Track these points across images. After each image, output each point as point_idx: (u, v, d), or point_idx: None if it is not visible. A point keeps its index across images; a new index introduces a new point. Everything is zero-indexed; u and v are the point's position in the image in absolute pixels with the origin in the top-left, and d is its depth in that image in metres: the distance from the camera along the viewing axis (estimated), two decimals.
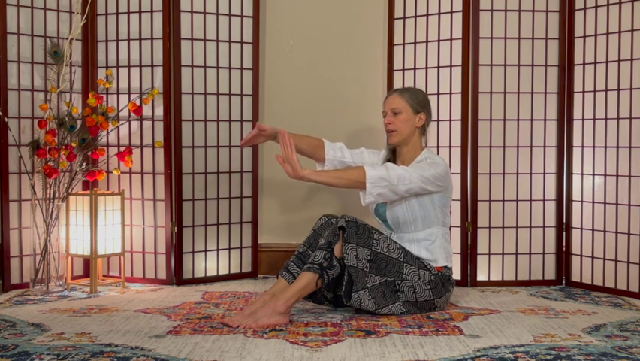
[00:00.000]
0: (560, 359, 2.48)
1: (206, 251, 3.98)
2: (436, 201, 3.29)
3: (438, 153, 3.80)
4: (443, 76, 3.90)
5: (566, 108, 3.87)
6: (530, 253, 3.88)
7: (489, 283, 3.86)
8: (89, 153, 3.82)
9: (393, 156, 3.44)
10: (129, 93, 3.92)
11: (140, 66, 3.91)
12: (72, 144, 3.76)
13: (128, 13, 3.92)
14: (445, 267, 3.29)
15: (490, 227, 3.86)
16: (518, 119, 3.86)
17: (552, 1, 3.86)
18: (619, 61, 3.64)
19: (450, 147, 3.87)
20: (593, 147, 3.77)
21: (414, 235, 3.29)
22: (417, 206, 3.27)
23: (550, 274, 3.89)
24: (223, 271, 4.04)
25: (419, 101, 3.36)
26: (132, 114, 3.86)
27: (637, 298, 3.54)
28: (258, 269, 4.16)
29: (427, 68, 3.94)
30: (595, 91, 3.76)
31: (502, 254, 3.87)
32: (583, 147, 3.82)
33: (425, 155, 3.33)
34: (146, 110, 3.90)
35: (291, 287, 3.06)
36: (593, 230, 3.77)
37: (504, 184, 3.86)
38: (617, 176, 3.65)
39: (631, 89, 3.60)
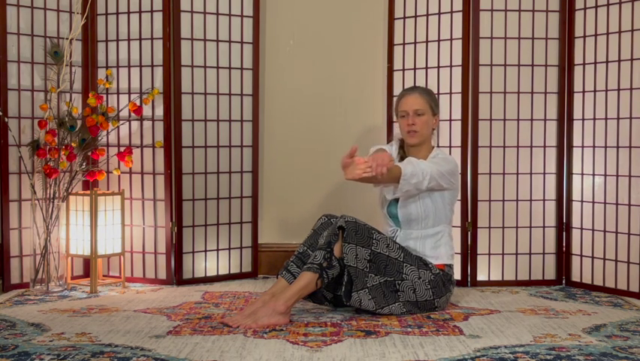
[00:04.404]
0: (560, 359, 2.48)
1: (206, 251, 3.98)
2: (446, 199, 3.33)
3: None
4: (443, 76, 3.90)
5: (566, 108, 3.87)
6: (530, 253, 3.88)
7: (489, 283, 3.86)
8: (89, 153, 3.82)
9: (403, 155, 3.45)
10: (129, 93, 3.92)
11: (140, 66, 3.91)
12: (72, 144, 3.76)
13: (128, 13, 3.92)
14: (447, 265, 3.31)
15: (490, 227, 3.86)
16: (518, 119, 3.86)
17: (552, 1, 3.86)
18: (619, 61, 3.64)
19: (450, 147, 3.87)
20: (593, 147, 3.77)
21: (423, 231, 3.31)
22: (430, 203, 3.29)
23: (550, 274, 3.89)
24: (223, 271, 4.04)
25: (436, 103, 3.44)
26: (132, 114, 3.86)
27: (637, 298, 3.53)
28: (258, 269, 4.16)
29: (427, 68, 3.94)
30: (595, 91, 3.76)
31: (502, 254, 3.87)
32: (583, 147, 3.82)
33: (437, 152, 3.38)
34: (146, 110, 3.90)
35: (291, 287, 3.06)
36: (593, 230, 3.77)
37: (504, 184, 3.86)
38: (617, 176, 3.65)
39: (631, 89, 3.60)
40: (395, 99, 3.52)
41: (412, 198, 3.30)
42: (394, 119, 3.96)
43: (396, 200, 3.35)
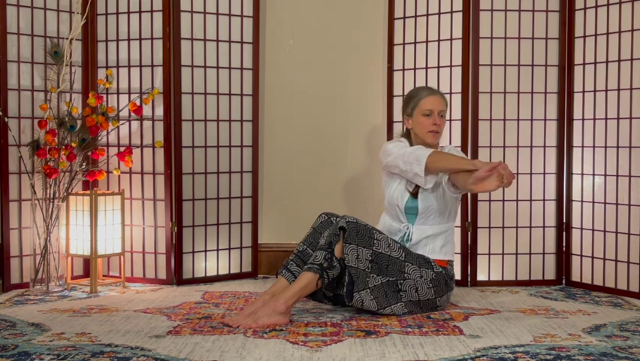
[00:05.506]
0: (560, 359, 2.48)
1: (206, 251, 3.98)
2: (459, 195, 3.37)
3: None
4: (443, 76, 3.90)
5: (566, 108, 3.87)
6: (530, 253, 3.88)
7: (489, 283, 3.86)
8: (89, 153, 3.82)
9: None
10: (129, 93, 3.92)
11: (140, 66, 3.91)
12: (72, 144, 3.76)
13: (128, 13, 3.92)
14: (449, 261, 3.33)
15: (490, 227, 3.86)
16: (518, 119, 3.86)
17: (552, 1, 3.85)
18: (619, 61, 3.64)
19: None
20: (593, 147, 3.77)
21: (437, 227, 3.33)
22: (448, 197, 3.32)
23: (551, 274, 3.89)
24: (223, 271, 4.04)
25: None
26: (132, 114, 3.86)
27: (637, 298, 3.54)
28: (258, 269, 4.16)
29: (427, 68, 3.93)
30: (595, 91, 3.76)
31: (502, 254, 3.87)
32: (583, 147, 3.82)
33: (448, 147, 3.43)
34: (146, 110, 3.90)
35: (291, 287, 3.06)
36: (593, 230, 3.77)
37: None
38: (617, 176, 3.65)
39: (631, 89, 3.60)
40: (407, 97, 3.44)
41: (434, 193, 3.32)
42: (395, 118, 3.97)
43: (415, 195, 3.34)
